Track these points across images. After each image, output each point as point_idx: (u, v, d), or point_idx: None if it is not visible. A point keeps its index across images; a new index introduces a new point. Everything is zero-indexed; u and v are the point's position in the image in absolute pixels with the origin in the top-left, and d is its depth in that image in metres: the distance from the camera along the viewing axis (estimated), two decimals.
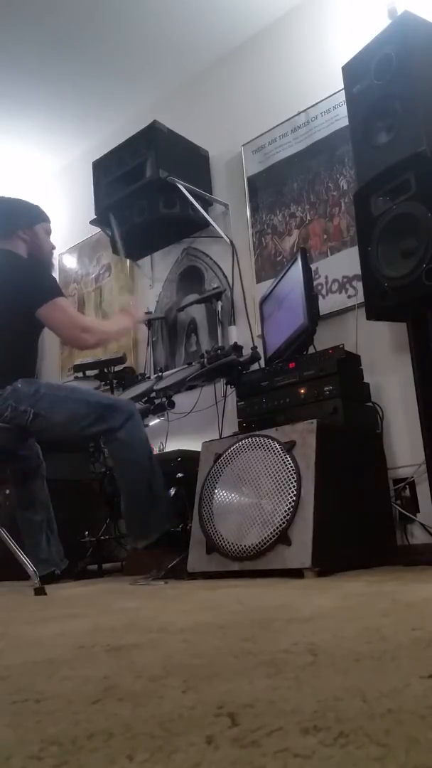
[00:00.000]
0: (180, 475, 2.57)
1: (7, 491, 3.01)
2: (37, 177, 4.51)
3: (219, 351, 2.66)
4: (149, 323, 3.56)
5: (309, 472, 1.94)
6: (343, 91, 2.36)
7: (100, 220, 3.51)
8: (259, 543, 1.94)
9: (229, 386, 2.83)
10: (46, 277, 2.42)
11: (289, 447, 2.01)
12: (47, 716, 0.61)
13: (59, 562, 2.54)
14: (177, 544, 2.29)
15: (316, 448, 1.95)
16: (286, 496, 1.94)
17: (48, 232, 2.57)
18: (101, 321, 3.19)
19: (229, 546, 2.02)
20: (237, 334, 3.12)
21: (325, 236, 2.98)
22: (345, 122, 2.60)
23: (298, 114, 3.15)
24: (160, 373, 3.02)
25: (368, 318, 2.25)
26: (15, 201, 2.55)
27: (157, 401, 2.85)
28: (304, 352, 2.50)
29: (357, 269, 2.40)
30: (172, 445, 3.08)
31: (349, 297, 2.82)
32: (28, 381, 2.35)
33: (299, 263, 2.46)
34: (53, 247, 2.60)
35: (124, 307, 3.57)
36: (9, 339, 2.35)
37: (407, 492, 2.47)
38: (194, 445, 2.50)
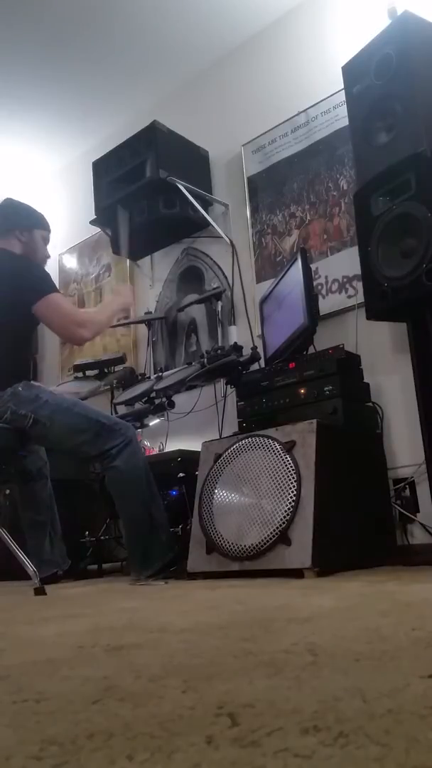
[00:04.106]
0: (180, 475, 2.57)
1: (8, 491, 3.01)
2: (37, 177, 4.51)
3: (219, 351, 2.66)
4: (149, 323, 3.56)
5: (309, 472, 1.94)
6: (343, 91, 2.36)
7: (100, 220, 3.51)
8: (259, 543, 1.94)
9: (229, 386, 2.83)
10: (39, 272, 2.42)
11: (289, 447, 2.01)
12: (47, 716, 0.61)
13: (61, 563, 2.54)
14: (176, 563, 2.28)
15: (316, 448, 1.95)
16: (286, 496, 1.94)
17: (45, 241, 2.57)
18: (94, 309, 3.15)
19: (229, 546, 2.02)
20: (237, 334, 3.12)
21: (325, 236, 2.98)
22: (345, 122, 2.60)
23: (298, 114, 3.15)
24: (160, 373, 3.01)
25: (368, 318, 2.25)
26: (19, 204, 2.57)
27: (157, 401, 2.85)
28: (304, 352, 2.50)
29: (357, 269, 2.40)
30: (172, 445, 3.08)
31: (349, 297, 2.81)
32: (28, 385, 2.35)
33: (299, 263, 2.46)
34: (48, 256, 2.60)
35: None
36: (6, 339, 2.35)
37: (407, 492, 2.47)
38: (194, 445, 2.50)
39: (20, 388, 2.30)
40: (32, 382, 2.42)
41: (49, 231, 2.59)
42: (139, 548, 2.32)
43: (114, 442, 2.31)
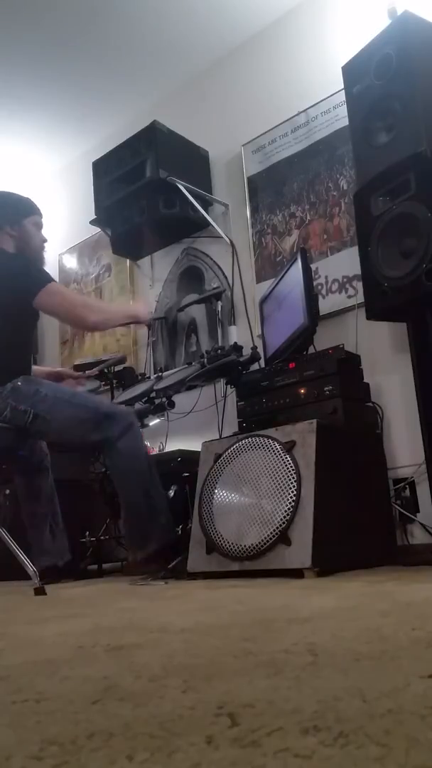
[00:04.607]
0: (184, 474, 2.57)
1: (8, 491, 3.01)
2: (37, 177, 4.51)
3: (219, 351, 2.65)
4: (149, 323, 3.55)
5: (309, 472, 1.94)
6: (343, 91, 2.36)
7: (100, 220, 3.51)
8: (259, 543, 1.94)
9: (229, 386, 2.83)
10: (33, 266, 2.38)
11: (289, 447, 2.01)
12: (47, 716, 0.61)
13: (63, 554, 2.54)
14: (176, 552, 2.28)
15: (316, 448, 1.95)
16: (286, 496, 1.94)
17: (38, 226, 2.50)
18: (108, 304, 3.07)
19: (229, 546, 2.02)
20: (237, 334, 3.12)
21: (325, 236, 2.98)
22: (345, 122, 2.60)
23: (298, 114, 3.15)
24: (160, 373, 3.01)
25: (368, 318, 2.25)
26: (3, 195, 2.49)
27: (157, 401, 2.85)
28: (304, 352, 2.50)
29: (357, 269, 2.40)
30: (172, 445, 3.08)
31: (349, 297, 2.82)
32: (28, 380, 2.34)
33: (299, 263, 2.46)
34: (45, 240, 2.53)
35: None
36: (5, 336, 2.34)
37: (407, 492, 2.47)
38: (194, 445, 2.50)
39: (20, 383, 2.30)
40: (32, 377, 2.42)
41: (40, 215, 2.51)
42: (137, 529, 2.31)
43: (115, 427, 2.31)
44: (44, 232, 2.57)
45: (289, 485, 1.95)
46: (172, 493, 2.54)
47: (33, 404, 2.27)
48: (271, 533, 1.92)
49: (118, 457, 2.32)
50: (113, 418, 2.32)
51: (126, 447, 2.30)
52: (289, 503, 1.92)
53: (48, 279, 2.34)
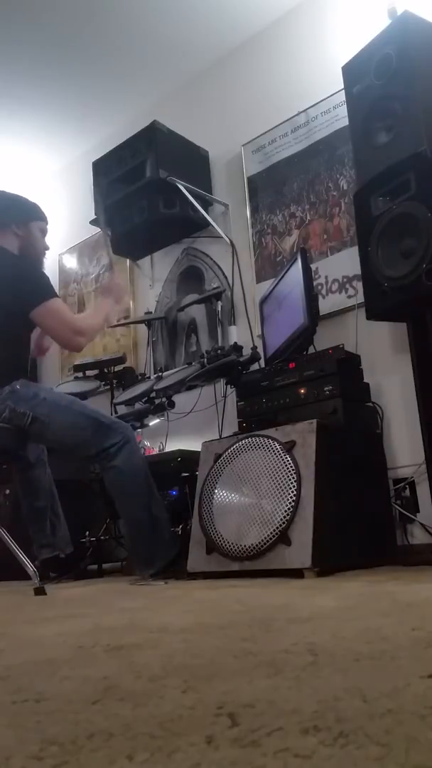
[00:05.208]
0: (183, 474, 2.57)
1: (8, 491, 3.01)
2: (37, 177, 4.51)
3: (219, 351, 2.66)
4: (149, 323, 3.56)
5: (309, 472, 1.94)
6: (343, 91, 2.36)
7: (100, 220, 3.51)
8: (259, 543, 1.94)
9: (229, 386, 2.83)
10: (39, 276, 2.37)
11: (289, 447, 2.01)
12: (47, 716, 0.61)
13: (63, 546, 2.54)
14: (179, 563, 2.27)
15: (316, 448, 1.95)
16: (286, 496, 1.94)
17: (43, 232, 2.50)
18: (86, 314, 3.05)
19: (229, 546, 2.02)
20: (237, 334, 3.12)
21: (325, 236, 2.98)
22: (345, 122, 2.60)
23: (298, 114, 3.15)
24: (160, 373, 3.01)
25: (368, 318, 2.25)
26: (13, 196, 2.50)
27: (157, 401, 2.85)
28: (304, 352, 2.50)
29: (357, 269, 2.40)
30: (172, 445, 3.08)
31: (349, 297, 2.81)
32: (26, 383, 2.34)
33: (299, 263, 2.46)
34: (47, 248, 2.54)
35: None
36: (3, 338, 2.34)
37: (407, 492, 2.47)
38: (194, 445, 2.50)
39: (18, 386, 2.30)
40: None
41: (46, 222, 2.52)
42: (142, 547, 2.31)
43: (112, 440, 2.30)
44: (47, 240, 2.56)
45: (289, 485, 1.95)
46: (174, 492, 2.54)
47: (32, 407, 2.27)
48: (271, 533, 1.92)
49: (116, 475, 2.30)
50: (112, 429, 2.31)
51: (124, 463, 2.29)
52: (289, 503, 1.92)
53: (52, 294, 2.33)
